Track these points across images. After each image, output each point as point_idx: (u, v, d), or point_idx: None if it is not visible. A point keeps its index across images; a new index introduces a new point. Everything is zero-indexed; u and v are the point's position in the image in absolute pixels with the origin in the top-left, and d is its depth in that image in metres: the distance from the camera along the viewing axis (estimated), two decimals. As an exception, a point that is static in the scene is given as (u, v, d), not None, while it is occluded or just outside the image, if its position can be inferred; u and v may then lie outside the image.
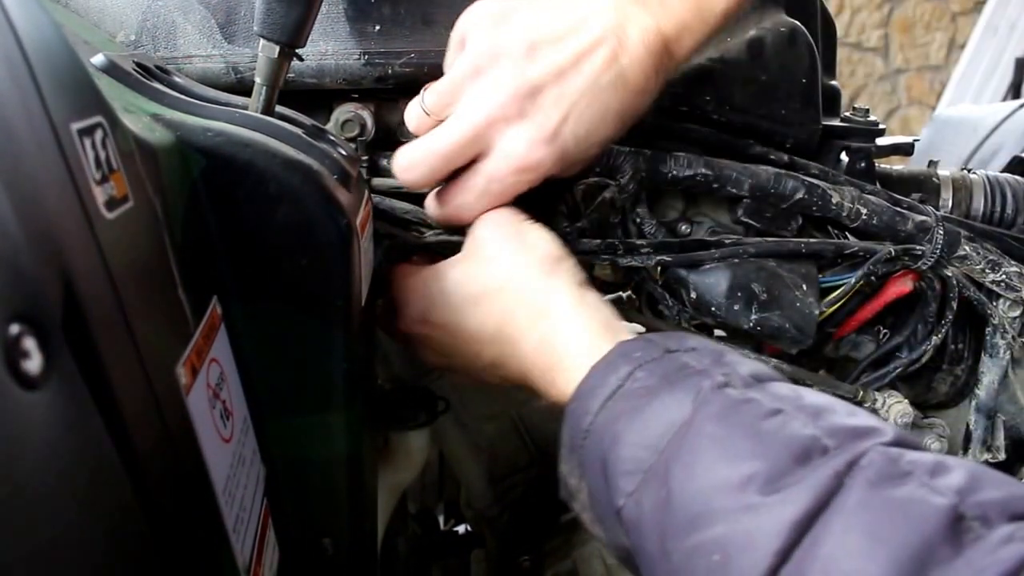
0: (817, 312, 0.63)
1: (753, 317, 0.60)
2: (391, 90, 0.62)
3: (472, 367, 0.55)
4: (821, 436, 0.36)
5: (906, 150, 0.77)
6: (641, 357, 0.44)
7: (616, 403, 0.42)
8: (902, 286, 0.67)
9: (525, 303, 0.51)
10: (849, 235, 0.67)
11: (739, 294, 0.61)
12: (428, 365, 0.59)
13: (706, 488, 0.36)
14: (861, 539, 0.31)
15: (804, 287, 0.63)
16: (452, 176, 0.55)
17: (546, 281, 0.52)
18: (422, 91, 0.55)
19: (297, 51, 0.50)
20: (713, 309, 0.61)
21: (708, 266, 0.61)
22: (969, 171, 0.78)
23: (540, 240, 0.54)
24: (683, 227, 0.66)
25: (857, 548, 0.31)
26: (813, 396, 0.39)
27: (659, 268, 0.65)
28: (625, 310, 0.64)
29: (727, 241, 0.63)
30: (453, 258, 0.55)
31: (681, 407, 0.39)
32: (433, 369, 0.59)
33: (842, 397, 0.68)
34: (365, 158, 0.62)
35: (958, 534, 0.30)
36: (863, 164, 0.72)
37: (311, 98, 0.61)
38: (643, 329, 0.59)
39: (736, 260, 0.62)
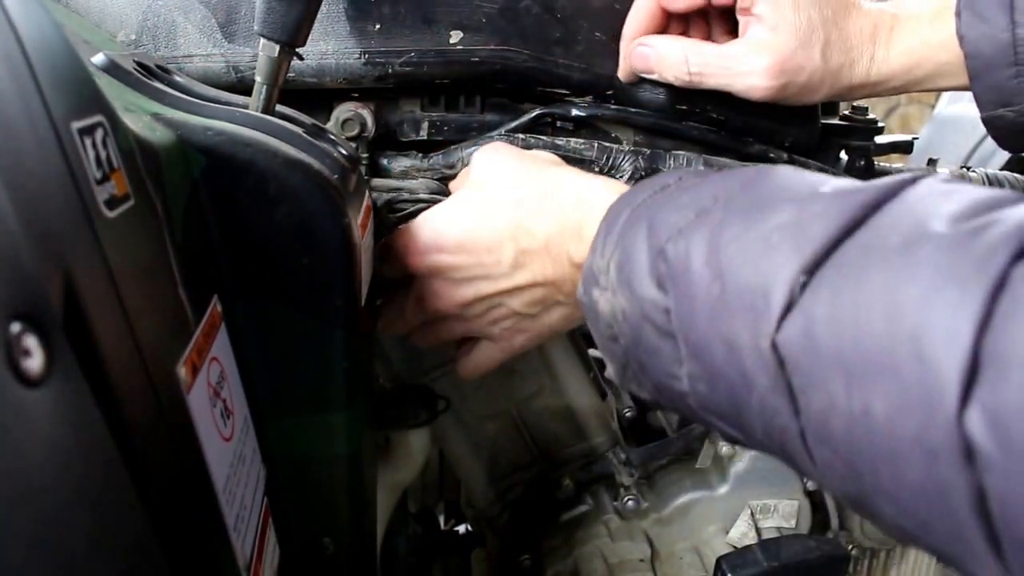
0: None
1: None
2: (391, 89, 0.62)
3: (496, 276, 0.54)
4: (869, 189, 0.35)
5: (905, 148, 0.77)
6: (663, 182, 0.43)
7: (668, 191, 0.41)
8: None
9: (538, 186, 0.52)
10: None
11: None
12: (443, 310, 0.57)
13: (768, 200, 0.35)
14: (935, 198, 0.31)
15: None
16: None
17: (553, 168, 0.54)
18: None
19: (297, 50, 0.50)
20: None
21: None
22: (969, 169, 0.78)
23: (536, 150, 0.56)
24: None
25: (931, 201, 0.30)
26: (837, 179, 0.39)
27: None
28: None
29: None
30: (455, 189, 0.57)
31: (739, 176, 0.39)
32: (448, 314, 0.57)
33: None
34: (365, 157, 0.62)
35: None
36: (862, 162, 0.72)
37: (311, 97, 0.61)
38: None
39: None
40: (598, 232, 0.44)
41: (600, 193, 0.49)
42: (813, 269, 0.31)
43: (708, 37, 0.62)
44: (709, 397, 0.36)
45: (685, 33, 0.62)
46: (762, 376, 0.32)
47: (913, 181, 0.33)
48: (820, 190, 0.34)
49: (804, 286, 0.31)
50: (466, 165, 0.62)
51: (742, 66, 0.57)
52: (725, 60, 0.57)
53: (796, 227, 0.32)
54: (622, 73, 0.63)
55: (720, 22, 0.62)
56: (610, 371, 0.44)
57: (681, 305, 0.36)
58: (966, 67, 0.54)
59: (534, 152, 0.58)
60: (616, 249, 0.41)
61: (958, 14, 0.53)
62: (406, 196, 0.59)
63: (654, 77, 0.61)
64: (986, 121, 0.56)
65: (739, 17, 0.58)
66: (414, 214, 0.57)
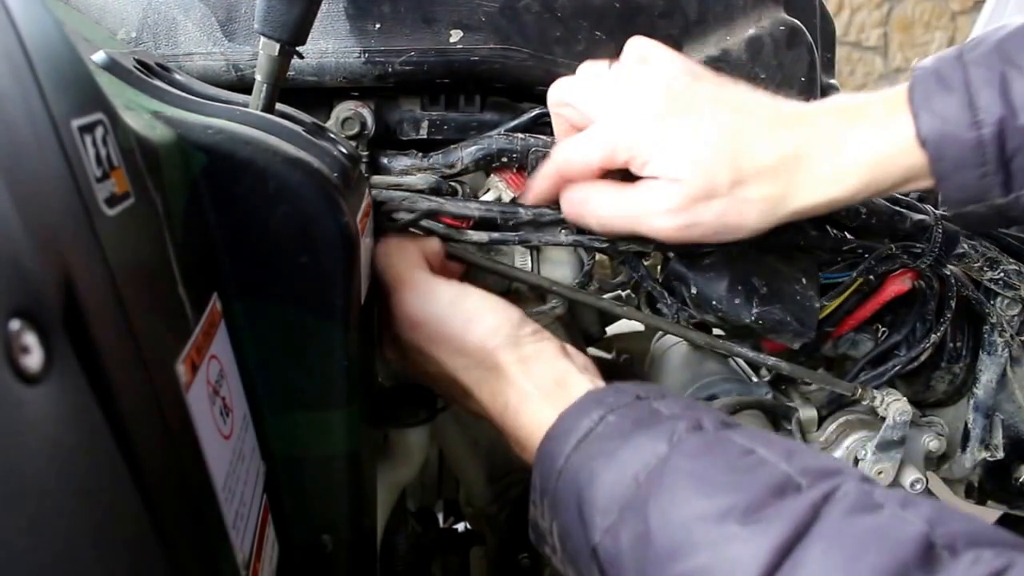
0: (818, 305, 0.63)
1: (754, 311, 0.61)
2: (391, 88, 0.62)
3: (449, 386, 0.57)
4: (794, 474, 0.38)
5: (905, 149, 0.76)
6: (613, 402, 0.45)
7: (590, 444, 0.43)
8: (901, 285, 0.68)
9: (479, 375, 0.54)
10: (848, 234, 0.68)
11: (739, 288, 0.61)
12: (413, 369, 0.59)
13: (686, 520, 0.37)
14: (840, 562, 0.33)
15: (804, 281, 0.63)
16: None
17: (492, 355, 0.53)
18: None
19: (297, 49, 0.50)
20: (714, 304, 0.61)
21: (708, 261, 0.61)
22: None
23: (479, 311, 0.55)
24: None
25: (836, 570, 0.32)
26: (781, 439, 0.41)
27: (658, 266, 0.65)
28: (624, 309, 0.64)
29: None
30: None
31: (656, 447, 0.41)
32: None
33: (841, 395, 0.68)
34: (365, 156, 0.62)
35: (930, 560, 0.32)
36: (862, 163, 0.72)
37: (312, 96, 0.62)
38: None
39: (735, 255, 0.62)
40: (533, 483, 0.46)
41: (536, 408, 0.50)
42: None
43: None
44: None
45: None
46: None
47: (822, 503, 0.35)
48: (734, 513, 0.36)
49: None
50: (465, 164, 0.62)
51: (643, 208, 0.53)
52: (628, 204, 0.53)
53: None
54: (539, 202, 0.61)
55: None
56: None
57: None
58: (931, 171, 0.50)
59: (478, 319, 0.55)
60: (554, 522, 0.44)
61: (915, 115, 0.49)
62: (405, 205, 0.58)
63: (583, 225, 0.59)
64: (955, 217, 0.53)
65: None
66: (411, 224, 0.58)
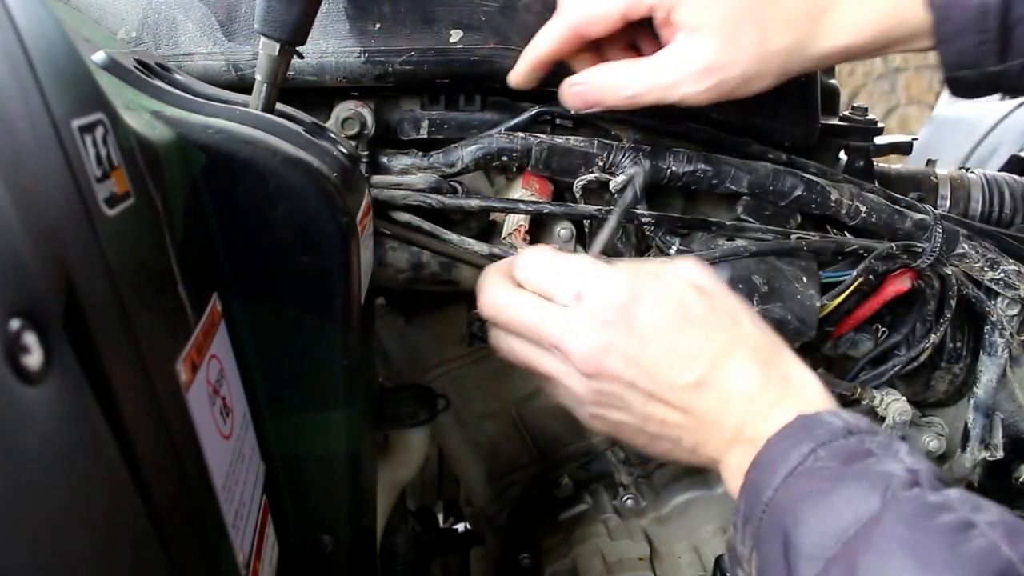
0: (818, 304, 0.63)
1: (755, 309, 0.61)
2: (391, 88, 0.62)
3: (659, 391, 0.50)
4: (1017, 561, 0.34)
5: (904, 149, 0.77)
6: (824, 436, 0.43)
7: (798, 481, 0.42)
8: (901, 284, 0.68)
9: (754, 335, 0.50)
10: (847, 233, 0.68)
11: (740, 286, 0.61)
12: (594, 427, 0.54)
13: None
14: None
15: (804, 279, 0.63)
16: None
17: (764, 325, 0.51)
18: None
19: (297, 49, 0.50)
20: (713, 305, 0.61)
21: (709, 260, 0.61)
22: (967, 170, 0.78)
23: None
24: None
25: None
26: (1000, 511, 0.38)
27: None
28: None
29: (727, 241, 0.63)
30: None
31: (869, 500, 0.38)
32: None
33: (841, 395, 0.68)
34: (365, 155, 0.62)
35: None
36: (862, 162, 0.72)
37: (312, 96, 0.62)
38: None
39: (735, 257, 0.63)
40: (737, 509, 0.44)
41: (753, 429, 0.47)
42: None
43: (625, 48, 0.60)
44: None
45: (603, 51, 0.59)
46: None
47: None
48: None
49: None
50: (466, 163, 0.62)
51: (670, 77, 0.54)
52: (653, 76, 0.55)
53: None
54: (520, 83, 0.59)
55: (650, 36, 0.59)
56: None
57: None
58: (933, 32, 0.53)
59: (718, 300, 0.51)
60: (755, 549, 0.42)
61: None
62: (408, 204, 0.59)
63: (596, 110, 0.59)
64: (949, 80, 0.56)
65: (660, 31, 0.55)
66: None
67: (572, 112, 0.63)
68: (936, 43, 0.53)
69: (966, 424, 0.75)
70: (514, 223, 0.63)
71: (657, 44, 0.57)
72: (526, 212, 0.66)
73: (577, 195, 0.64)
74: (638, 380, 0.49)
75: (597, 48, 0.59)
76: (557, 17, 0.57)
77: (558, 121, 0.65)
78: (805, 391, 0.49)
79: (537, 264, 0.52)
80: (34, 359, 0.21)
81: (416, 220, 0.61)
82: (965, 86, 0.55)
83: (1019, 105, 1.44)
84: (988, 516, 0.37)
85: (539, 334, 0.51)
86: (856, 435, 0.43)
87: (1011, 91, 0.55)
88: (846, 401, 0.70)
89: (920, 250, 0.66)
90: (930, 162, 0.78)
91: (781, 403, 0.47)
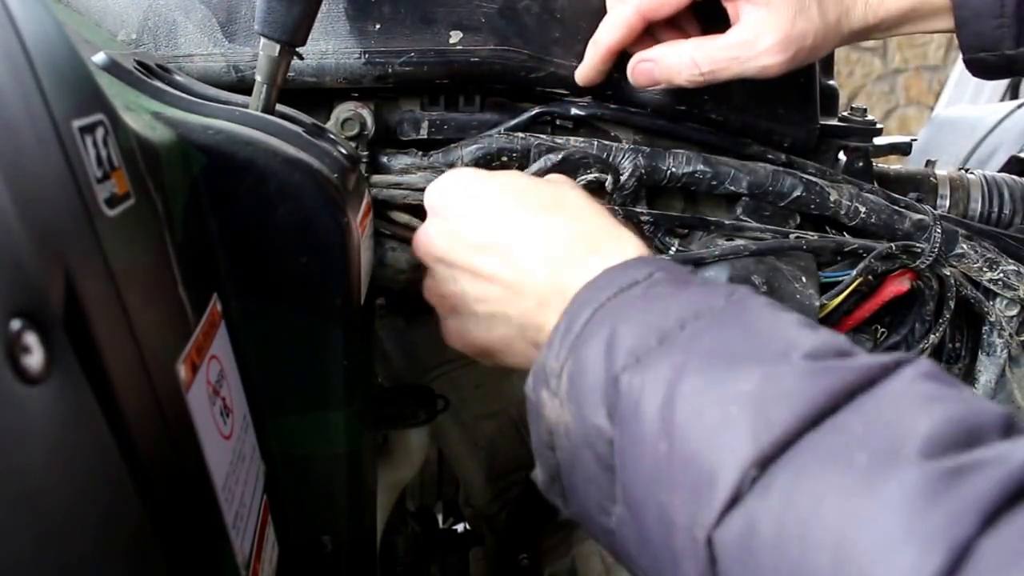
0: (818, 304, 0.63)
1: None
2: (391, 89, 0.62)
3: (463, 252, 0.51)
4: (862, 351, 0.33)
5: (904, 149, 0.77)
6: (664, 264, 0.41)
7: (633, 291, 0.39)
8: (899, 285, 0.68)
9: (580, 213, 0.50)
10: (847, 234, 0.68)
11: (739, 286, 0.61)
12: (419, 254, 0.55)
13: (738, 353, 0.32)
14: (907, 408, 0.29)
15: (804, 279, 0.63)
16: None
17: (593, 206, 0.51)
18: None
19: (297, 50, 0.50)
20: (712, 306, 0.61)
21: (708, 260, 0.61)
22: (967, 171, 0.78)
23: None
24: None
25: (903, 414, 0.28)
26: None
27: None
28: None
29: (726, 241, 0.64)
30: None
31: (711, 299, 0.36)
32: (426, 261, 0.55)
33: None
34: (365, 156, 0.62)
35: (1011, 431, 0.28)
36: (861, 163, 0.72)
37: (311, 97, 0.62)
38: None
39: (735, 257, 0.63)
40: (557, 327, 0.41)
41: (571, 278, 0.44)
42: (766, 463, 0.29)
43: (683, 34, 0.61)
44: (633, 549, 0.34)
45: (656, 34, 0.61)
46: (690, 565, 0.30)
47: (893, 368, 0.31)
48: (792, 354, 0.32)
49: (754, 480, 0.29)
50: (466, 163, 0.62)
51: (750, 51, 0.57)
52: (732, 51, 0.57)
53: (758, 404, 0.30)
54: (589, 78, 0.61)
55: (695, 18, 0.62)
56: (536, 475, 0.42)
57: (626, 447, 0.34)
58: (953, 16, 0.55)
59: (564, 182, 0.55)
60: (570, 357, 0.38)
61: None
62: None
63: (662, 87, 0.61)
64: (967, 62, 0.58)
65: (727, 6, 0.58)
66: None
67: (571, 113, 0.64)
68: (955, 27, 0.55)
69: (965, 424, 0.75)
70: None
71: (701, 28, 0.60)
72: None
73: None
74: (459, 255, 0.51)
75: (651, 33, 0.60)
76: (620, 5, 0.58)
77: (558, 122, 0.65)
78: (632, 242, 0.46)
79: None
80: (35, 359, 0.21)
81: (416, 221, 0.62)
82: (983, 67, 0.58)
83: (1019, 106, 1.44)
84: (824, 328, 0.36)
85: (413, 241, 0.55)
86: (666, 275, 0.41)
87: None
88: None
89: (919, 250, 0.66)
90: (929, 163, 0.78)
91: (600, 251, 0.45)
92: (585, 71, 0.61)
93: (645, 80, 0.60)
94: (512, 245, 0.49)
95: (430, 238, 0.53)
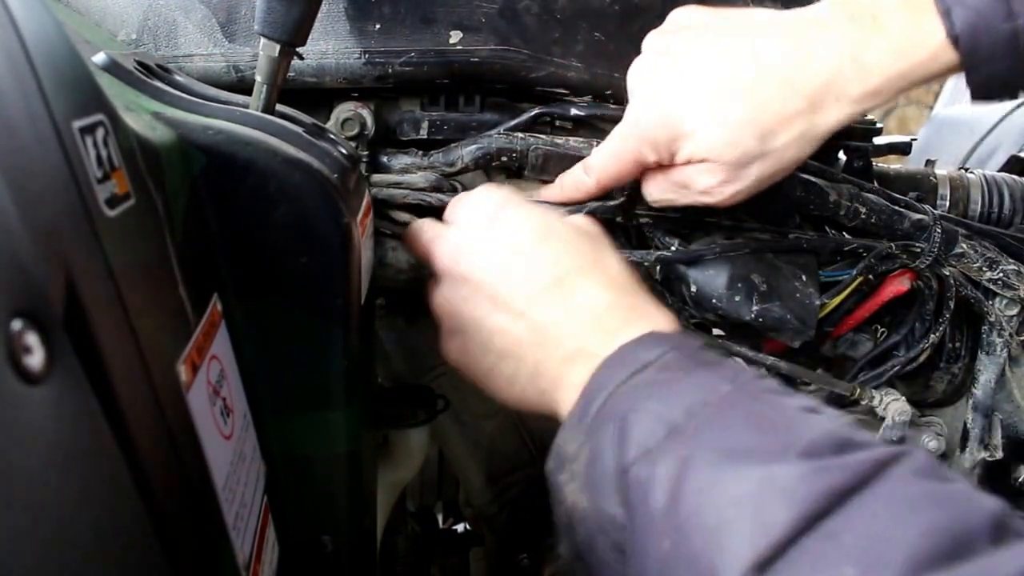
0: (818, 303, 0.63)
1: (754, 308, 0.61)
2: (391, 89, 0.62)
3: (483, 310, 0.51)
4: (861, 437, 0.34)
5: (903, 149, 0.77)
6: (678, 342, 0.42)
7: (646, 374, 0.40)
8: (899, 285, 0.68)
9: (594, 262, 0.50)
10: (847, 234, 0.68)
11: (739, 285, 0.61)
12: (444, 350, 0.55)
13: (739, 450, 0.33)
14: (898, 513, 0.29)
15: (804, 278, 0.63)
16: None
17: (577, 273, 0.50)
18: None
19: (297, 50, 0.50)
20: (714, 302, 0.61)
21: (708, 259, 0.61)
22: (966, 170, 0.78)
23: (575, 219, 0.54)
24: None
25: (893, 520, 0.29)
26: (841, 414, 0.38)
27: (658, 266, 0.65)
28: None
29: (726, 240, 0.64)
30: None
31: (718, 384, 0.37)
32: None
33: (840, 395, 0.69)
34: (365, 156, 0.62)
35: (1000, 535, 0.29)
36: (860, 163, 0.72)
37: (312, 97, 0.62)
38: None
39: (735, 254, 0.63)
40: (573, 409, 0.43)
41: (596, 346, 0.45)
42: (764, 567, 0.30)
43: None
44: None
45: None
46: None
47: (887, 463, 0.32)
48: (790, 451, 0.33)
49: None
50: (465, 163, 0.62)
51: (687, 194, 0.55)
52: (674, 190, 0.56)
53: (756, 506, 0.31)
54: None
55: None
56: (561, 548, 0.43)
57: (636, 538, 0.36)
58: (960, 64, 0.49)
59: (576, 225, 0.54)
60: (586, 444, 0.40)
61: (945, 13, 0.47)
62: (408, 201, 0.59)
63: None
64: (974, 94, 0.53)
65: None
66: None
67: (571, 113, 0.64)
68: (964, 72, 0.49)
69: (965, 424, 0.75)
70: None
71: None
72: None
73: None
74: (486, 282, 0.50)
75: None
76: (586, 173, 0.59)
77: (558, 123, 0.65)
78: (656, 319, 0.47)
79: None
80: (35, 360, 0.21)
81: (417, 220, 0.62)
82: (991, 97, 0.53)
83: (1019, 105, 1.44)
84: (832, 410, 0.37)
85: (418, 240, 0.55)
86: (710, 348, 0.42)
87: None
88: (845, 401, 0.70)
89: (919, 250, 0.66)
90: (929, 162, 0.78)
91: (627, 326, 0.46)
92: (545, 200, 0.61)
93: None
94: (549, 291, 0.49)
95: (453, 249, 0.52)
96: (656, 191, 0.57)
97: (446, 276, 0.52)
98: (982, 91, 0.51)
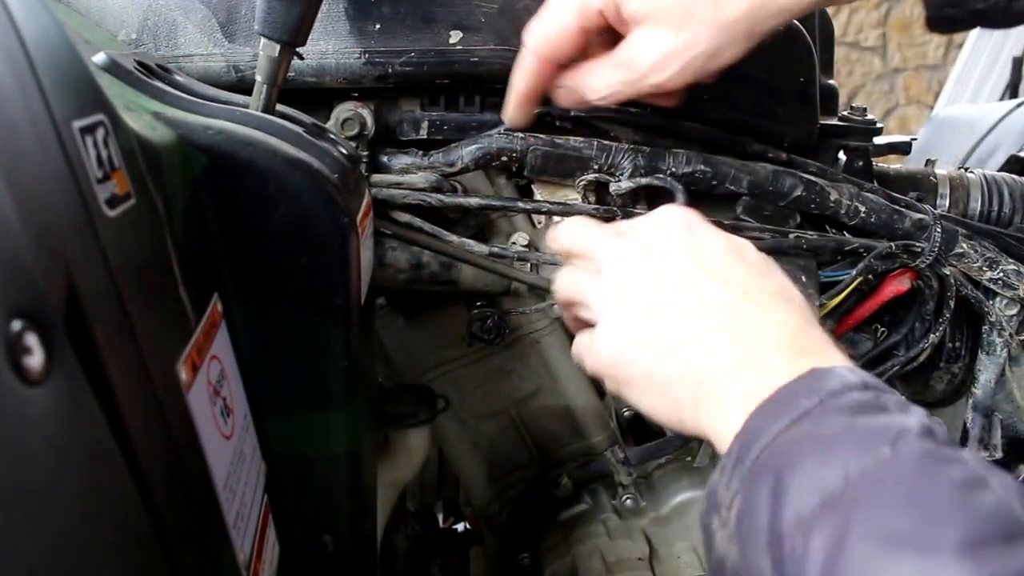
0: (818, 303, 0.63)
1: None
2: (391, 89, 0.62)
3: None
4: None
5: (903, 149, 0.77)
6: (835, 387, 0.40)
7: (802, 425, 0.39)
8: (900, 285, 0.68)
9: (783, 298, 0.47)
10: (847, 233, 0.68)
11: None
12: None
13: (894, 538, 0.32)
14: None
15: (804, 278, 0.63)
16: None
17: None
18: None
19: (298, 50, 0.50)
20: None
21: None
22: (966, 170, 0.78)
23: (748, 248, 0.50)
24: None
25: None
26: (1010, 476, 0.35)
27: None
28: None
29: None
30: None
31: (877, 446, 0.36)
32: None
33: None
34: (365, 156, 0.62)
35: None
36: (861, 163, 0.72)
37: (312, 97, 0.62)
38: None
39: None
40: (729, 452, 0.41)
41: (754, 384, 0.43)
42: None
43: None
44: None
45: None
46: None
47: None
48: (948, 540, 0.31)
49: None
50: (465, 163, 0.62)
51: (634, 72, 0.53)
52: (617, 73, 0.53)
53: None
54: (515, 122, 0.60)
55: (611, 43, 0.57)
56: None
57: None
58: None
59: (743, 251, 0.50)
60: (740, 493, 0.39)
61: None
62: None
63: (587, 109, 0.59)
64: (930, 18, 0.52)
65: (620, 30, 0.54)
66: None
67: (571, 113, 0.63)
68: None
69: (965, 424, 0.75)
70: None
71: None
72: (525, 211, 0.66)
73: (579, 194, 0.64)
74: (663, 305, 0.47)
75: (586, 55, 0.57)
76: (523, 50, 0.56)
77: (557, 123, 0.65)
78: (826, 352, 0.45)
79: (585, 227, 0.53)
80: (35, 360, 0.21)
81: (417, 220, 0.62)
82: (947, 22, 0.52)
83: (1019, 105, 1.44)
84: (1002, 477, 0.34)
85: (591, 251, 0.51)
86: (872, 390, 0.40)
87: (993, 25, 0.51)
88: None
89: (919, 250, 0.66)
90: (929, 162, 0.78)
91: (797, 360, 0.43)
92: (508, 117, 0.60)
93: (566, 104, 0.58)
94: (737, 317, 0.46)
95: (628, 267, 0.48)
96: (601, 79, 0.54)
97: (615, 291, 0.49)
98: (938, 7, 0.49)
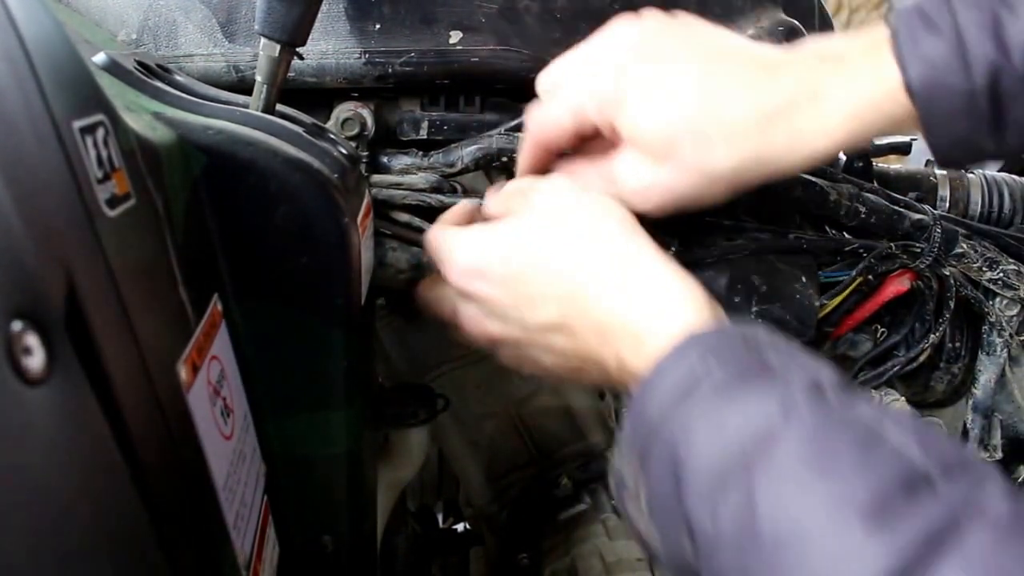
0: (817, 304, 0.63)
1: (754, 309, 0.61)
2: (391, 89, 0.62)
3: (530, 328, 0.49)
4: (930, 467, 0.32)
5: (903, 149, 0.77)
6: (716, 346, 0.40)
7: (690, 399, 0.38)
8: (900, 285, 0.68)
9: (604, 265, 0.47)
10: (847, 234, 0.68)
11: (739, 287, 0.61)
12: (472, 335, 0.53)
13: (797, 505, 0.32)
14: None
15: (804, 279, 0.63)
16: None
17: (631, 238, 0.48)
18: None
19: (298, 50, 0.50)
20: (713, 304, 0.61)
21: (708, 260, 0.61)
22: (966, 170, 0.78)
23: (613, 202, 0.50)
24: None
25: None
26: (908, 416, 0.36)
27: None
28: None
29: (726, 241, 0.64)
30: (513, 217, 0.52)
31: (768, 413, 0.36)
32: (472, 344, 0.54)
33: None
34: (365, 156, 0.62)
35: None
36: (860, 163, 0.72)
37: (312, 97, 0.62)
38: None
39: (735, 256, 0.63)
40: (625, 432, 0.41)
41: (655, 326, 0.43)
42: None
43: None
44: None
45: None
46: None
47: (963, 508, 0.30)
48: (853, 515, 0.31)
49: None
50: (466, 163, 0.62)
51: (615, 190, 0.51)
52: (605, 185, 0.52)
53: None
54: None
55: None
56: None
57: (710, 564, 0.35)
58: (919, 120, 0.46)
59: (605, 205, 0.50)
60: (641, 474, 0.39)
61: (901, 59, 0.45)
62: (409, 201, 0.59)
63: None
64: (937, 158, 0.50)
65: (612, 140, 0.52)
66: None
67: None
68: (923, 130, 0.47)
69: (965, 425, 0.75)
70: None
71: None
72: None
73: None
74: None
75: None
76: (525, 133, 0.56)
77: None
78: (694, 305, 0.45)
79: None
80: (36, 360, 0.21)
81: (417, 220, 0.62)
82: (956, 161, 0.51)
83: (1018, 105, 1.44)
84: (895, 418, 0.35)
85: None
86: (752, 348, 0.40)
87: (1005, 158, 0.50)
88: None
89: (919, 250, 0.66)
90: (929, 162, 0.78)
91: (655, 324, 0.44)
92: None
93: None
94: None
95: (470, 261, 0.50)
96: (587, 183, 0.54)
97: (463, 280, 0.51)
98: (944, 150, 0.48)
